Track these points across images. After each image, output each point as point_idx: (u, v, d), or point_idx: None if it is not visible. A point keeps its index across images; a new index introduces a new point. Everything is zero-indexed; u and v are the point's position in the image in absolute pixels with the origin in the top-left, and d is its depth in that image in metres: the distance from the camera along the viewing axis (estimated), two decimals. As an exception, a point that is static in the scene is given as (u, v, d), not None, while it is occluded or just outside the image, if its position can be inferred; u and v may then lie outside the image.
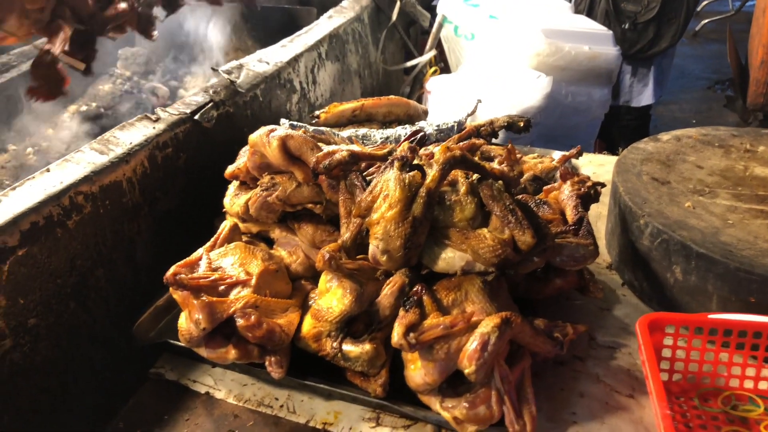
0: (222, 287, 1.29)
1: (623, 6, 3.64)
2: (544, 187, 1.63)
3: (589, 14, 3.66)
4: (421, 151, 1.35)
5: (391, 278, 1.27)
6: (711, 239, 1.39)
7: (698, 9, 6.37)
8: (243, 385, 1.36)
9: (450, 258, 1.24)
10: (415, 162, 1.27)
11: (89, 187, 1.37)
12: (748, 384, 1.28)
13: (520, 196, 1.49)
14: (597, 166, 2.18)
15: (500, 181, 1.28)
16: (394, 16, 3.11)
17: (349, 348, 1.24)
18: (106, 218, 1.43)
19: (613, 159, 2.21)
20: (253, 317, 1.22)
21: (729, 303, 1.34)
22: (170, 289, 1.29)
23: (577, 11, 3.53)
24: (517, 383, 1.19)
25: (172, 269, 1.27)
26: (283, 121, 1.81)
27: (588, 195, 1.52)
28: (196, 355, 1.31)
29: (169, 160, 1.62)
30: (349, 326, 1.28)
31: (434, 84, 2.93)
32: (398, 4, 3.12)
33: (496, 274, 1.25)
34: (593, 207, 1.56)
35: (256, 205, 1.45)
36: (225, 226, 1.47)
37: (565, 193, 1.52)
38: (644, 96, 3.94)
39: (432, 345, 1.14)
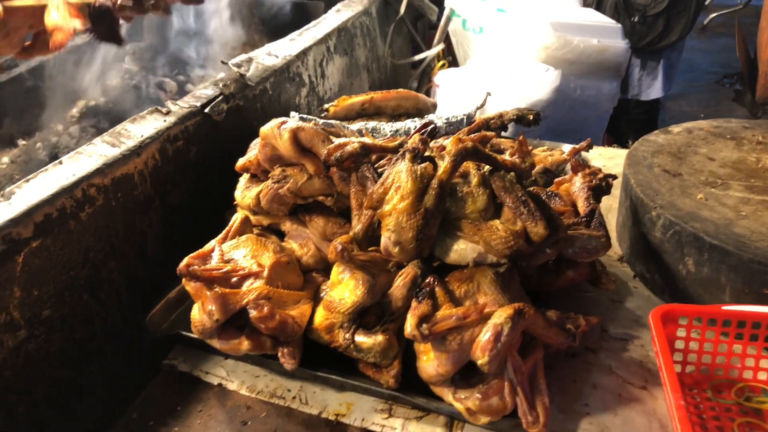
0: (234, 279, 1.29)
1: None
2: (555, 180, 1.63)
3: (598, 7, 3.64)
4: (432, 144, 1.34)
5: (403, 270, 1.27)
6: (724, 231, 1.38)
7: (707, 2, 6.33)
8: (255, 377, 1.36)
9: (462, 249, 1.24)
10: (427, 154, 1.27)
11: (101, 179, 1.38)
12: (762, 376, 1.27)
13: (531, 189, 1.48)
14: (607, 159, 2.17)
15: (512, 173, 1.28)
16: (402, 10, 3.10)
17: (362, 339, 1.24)
18: (118, 211, 1.43)
19: (623, 152, 2.20)
20: (266, 308, 1.22)
21: (742, 295, 1.34)
22: (183, 280, 1.30)
23: (585, 4, 3.52)
24: (529, 374, 1.19)
25: (185, 260, 1.27)
26: (293, 113, 1.81)
27: (600, 187, 1.51)
28: (208, 346, 1.31)
29: (180, 153, 1.62)
30: (362, 318, 1.28)
31: (442, 77, 2.92)
32: (406, -3, 3.11)
33: (508, 266, 1.25)
34: (604, 200, 1.55)
35: (267, 197, 1.46)
36: (236, 219, 1.47)
37: (576, 185, 1.51)
38: (653, 89, 3.92)
39: (445, 336, 1.14)
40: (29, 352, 1.22)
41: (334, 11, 2.66)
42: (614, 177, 1.57)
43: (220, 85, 1.82)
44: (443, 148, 1.27)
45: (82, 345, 1.35)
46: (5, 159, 2.59)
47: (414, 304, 1.16)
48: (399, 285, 1.26)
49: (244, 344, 1.25)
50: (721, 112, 5.70)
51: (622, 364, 1.35)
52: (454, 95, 2.80)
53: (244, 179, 1.58)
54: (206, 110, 1.71)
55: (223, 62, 1.93)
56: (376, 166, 1.38)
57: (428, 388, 1.22)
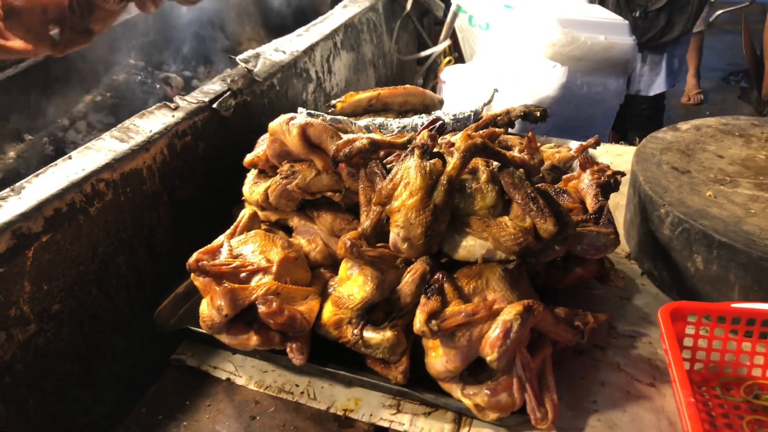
0: (243, 274, 1.29)
1: None
2: (563, 177, 1.63)
3: (601, 4, 3.63)
4: (440, 140, 1.34)
5: (412, 266, 1.27)
6: (733, 228, 1.38)
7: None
8: (263, 372, 1.37)
9: (471, 246, 1.24)
10: (435, 150, 1.27)
11: (110, 174, 1.38)
12: (771, 373, 1.27)
13: (539, 185, 1.48)
14: (614, 156, 2.16)
15: (521, 169, 1.28)
16: (409, 6, 3.09)
17: (370, 335, 1.24)
18: (127, 206, 1.43)
19: (630, 149, 2.19)
20: (274, 304, 1.22)
21: (751, 293, 1.33)
22: (192, 275, 1.30)
23: (589, 1, 3.51)
24: (538, 371, 1.19)
25: (195, 256, 1.27)
26: (300, 109, 1.81)
27: (608, 184, 1.51)
28: (216, 341, 1.32)
29: (188, 148, 1.63)
30: (370, 314, 1.28)
31: (449, 74, 2.91)
32: (412, -7, 3.11)
33: (517, 263, 1.25)
34: (611, 197, 1.55)
35: (275, 193, 1.46)
36: (244, 214, 1.47)
37: (584, 182, 1.51)
38: (656, 84, 3.91)
39: (454, 332, 1.14)
40: (39, 346, 1.23)
41: (341, 7, 2.65)
42: (622, 174, 1.56)
43: (228, 80, 1.82)
44: (452, 144, 1.27)
45: (91, 339, 1.35)
46: (12, 154, 2.59)
47: (423, 300, 1.16)
48: (408, 281, 1.26)
49: (253, 339, 1.25)
50: (727, 109, 5.69)
51: (630, 361, 1.35)
52: (461, 91, 2.79)
53: (252, 175, 1.58)
54: (214, 105, 1.71)
55: (230, 57, 1.93)
56: (384, 162, 1.38)
57: (436, 384, 1.22)
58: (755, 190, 1.53)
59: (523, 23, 2.93)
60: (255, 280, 1.29)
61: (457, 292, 1.20)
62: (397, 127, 1.81)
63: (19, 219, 1.17)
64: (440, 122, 1.64)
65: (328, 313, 1.29)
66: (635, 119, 4.05)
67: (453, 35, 3.24)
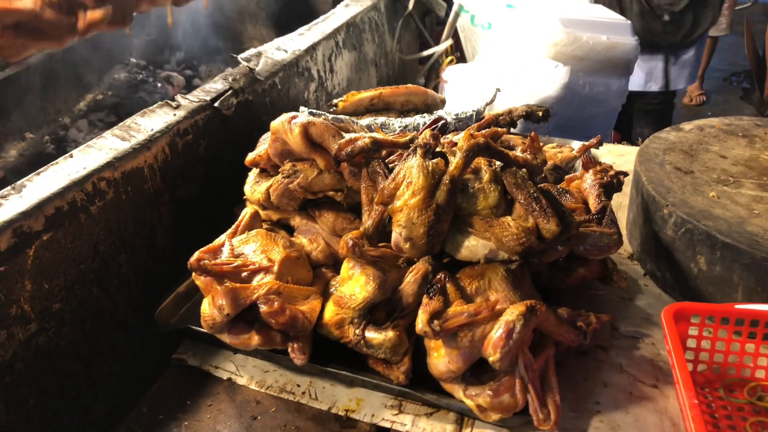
0: (245, 273, 1.29)
1: (656, 2, 3.66)
2: (566, 177, 1.62)
3: (622, 14, 3.68)
4: (442, 140, 1.34)
5: (414, 266, 1.27)
6: (737, 229, 1.37)
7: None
8: (265, 372, 1.36)
9: (473, 246, 1.24)
10: (438, 149, 1.26)
11: (112, 173, 1.38)
12: (775, 375, 1.27)
13: (542, 185, 1.47)
14: (616, 156, 2.16)
15: (524, 169, 1.27)
16: (411, 5, 3.08)
17: (372, 335, 1.23)
18: (128, 204, 1.43)
19: (633, 149, 2.19)
20: (276, 303, 1.22)
21: (755, 294, 1.33)
22: (193, 275, 1.29)
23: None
24: (541, 372, 1.18)
25: (196, 255, 1.27)
26: (302, 108, 1.80)
27: (611, 184, 1.50)
28: (217, 341, 1.31)
29: (190, 147, 1.62)
30: (372, 314, 1.28)
31: (451, 73, 2.91)
32: (414, -7, 3.10)
33: (519, 263, 1.24)
34: (614, 197, 1.54)
35: (277, 192, 1.45)
36: (246, 214, 1.47)
37: (587, 182, 1.50)
38: (681, 78, 4.03)
39: (456, 333, 1.14)
40: (40, 345, 1.22)
41: (343, 6, 2.65)
42: (625, 174, 1.56)
43: (230, 79, 1.81)
44: (454, 143, 1.27)
45: (92, 338, 1.35)
46: (13, 152, 2.59)
47: (425, 300, 1.16)
48: (410, 281, 1.26)
49: (254, 339, 1.25)
50: (729, 110, 5.68)
51: (632, 362, 1.34)
52: (463, 91, 2.79)
53: (253, 174, 1.57)
54: (216, 104, 1.71)
55: (232, 56, 1.93)
56: (386, 161, 1.38)
57: (438, 385, 1.22)
58: (759, 190, 1.52)
59: (525, 23, 2.92)
60: (256, 280, 1.29)
61: (459, 292, 1.19)
62: (399, 127, 1.80)
63: (20, 217, 1.16)
64: (442, 121, 1.64)
65: (330, 312, 1.28)
66: (646, 114, 4.10)
67: (455, 35, 3.24)
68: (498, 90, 2.08)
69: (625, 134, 4.13)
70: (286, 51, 2.10)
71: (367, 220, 1.31)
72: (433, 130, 1.30)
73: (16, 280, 1.16)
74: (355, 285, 1.28)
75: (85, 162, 1.35)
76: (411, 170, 1.22)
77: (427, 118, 1.84)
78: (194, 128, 1.63)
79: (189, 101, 1.66)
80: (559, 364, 1.25)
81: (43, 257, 1.21)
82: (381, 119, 1.83)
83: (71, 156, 1.36)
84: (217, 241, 1.36)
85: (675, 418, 1.21)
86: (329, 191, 1.44)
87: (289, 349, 1.26)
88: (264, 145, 1.53)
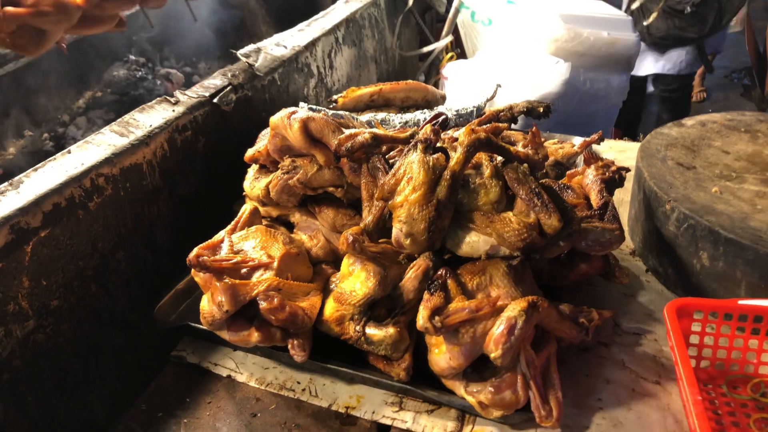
0: (244, 270, 1.28)
1: None
2: (567, 172, 1.61)
3: (642, 17, 3.71)
4: (443, 135, 1.33)
5: (414, 262, 1.26)
6: (740, 224, 1.36)
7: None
8: (265, 369, 1.35)
9: (474, 242, 1.23)
10: (439, 145, 1.25)
11: (110, 169, 1.37)
12: (778, 371, 1.26)
13: (543, 181, 1.46)
14: (618, 151, 2.15)
15: (525, 164, 1.26)
16: (411, 2, 3.07)
17: (373, 331, 1.23)
18: (127, 201, 1.42)
19: (634, 145, 2.18)
20: (276, 300, 1.21)
21: (758, 289, 1.32)
22: (192, 271, 1.29)
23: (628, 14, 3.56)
24: (542, 368, 1.17)
25: (195, 251, 1.26)
26: (302, 104, 1.79)
27: (612, 180, 1.49)
28: (216, 338, 1.30)
29: (189, 143, 1.61)
30: (372, 310, 1.27)
31: (451, 69, 2.90)
32: (414, -11, 3.09)
33: (521, 259, 1.23)
34: (615, 193, 1.53)
35: (277, 188, 1.44)
36: (245, 210, 1.46)
37: (589, 178, 1.49)
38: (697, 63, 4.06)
39: (457, 329, 1.13)
40: (38, 342, 1.21)
41: (343, 2, 2.64)
42: (627, 170, 1.54)
43: (229, 75, 1.80)
44: (455, 139, 1.26)
45: (91, 335, 1.34)
46: (12, 149, 2.59)
47: (426, 296, 1.15)
48: (411, 277, 1.25)
49: (254, 336, 1.24)
50: (729, 107, 5.66)
51: (635, 358, 1.33)
52: (463, 87, 2.78)
53: (253, 170, 1.56)
54: (215, 100, 1.70)
55: (231, 52, 1.91)
56: (386, 157, 1.37)
57: (439, 381, 1.21)
58: (762, 186, 1.51)
59: (526, 19, 2.91)
60: (256, 276, 1.28)
61: (460, 288, 1.18)
62: (399, 123, 1.79)
63: (18, 214, 1.16)
64: (443, 117, 1.62)
65: (330, 309, 1.27)
66: (663, 101, 4.15)
67: (455, 31, 3.23)
68: (498, 86, 2.07)
69: (626, 130, 4.14)
70: (285, 47, 2.09)
71: (368, 216, 1.30)
72: (433, 125, 1.29)
73: (14, 276, 1.15)
74: (355, 281, 1.27)
75: (84, 158, 1.34)
76: (411, 165, 1.21)
77: (428, 114, 1.83)
78: (193, 124, 1.62)
79: (188, 97, 1.65)
80: (561, 360, 1.24)
81: (41, 254, 1.20)
82: (381, 115, 1.82)
83: (69, 152, 1.35)
84: (217, 238, 1.35)
85: (678, 414, 1.20)
86: (329, 187, 1.43)
87: (289, 346, 1.25)
88: (263, 141, 1.52)
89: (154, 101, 1.60)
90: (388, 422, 1.22)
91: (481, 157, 1.28)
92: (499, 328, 1.10)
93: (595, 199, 1.43)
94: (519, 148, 1.38)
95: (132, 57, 3.13)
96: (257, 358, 1.38)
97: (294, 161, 1.44)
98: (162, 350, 1.41)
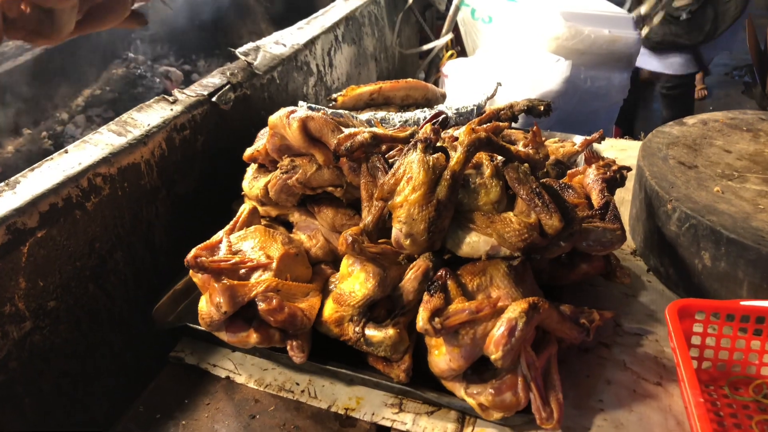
0: (243, 270, 1.27)
1: (674, 5, 3.69)
2: (568, 172, 1.60)
3: (644, 24, 3.71)
4: (443, 134, 1.32)
5: (414, 262, 1.25)
6: (742, 224, 1.35)
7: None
8: (263, 370, 1.35)
9: (475, 242, 1.22)
10: (439, 144, 1.24)
11: (108, 168, 1.36)
12: (780, 372, 1.25)
13: (544, 180, 1.46)
14: (619, 150, 2.14)
15: (526, 164, 1.25)
16: (410, -1, 3.06)
17: (372, 333, 1.22)
18: (125, 200, 1.41)
19: (635, 144, 2.17)
20: (274, 301, 1.20)
21: (761, 290, 1.31)
22: (190, 272, 1.28)
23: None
24: (543, 370, 1.16)
25: (193, 252, 1.25)
26: (301, 103, 1.78)
27: (614, 179, 1.49)
28: (215, 339, 1.29)
29: (187, 142, 1.60)
30: (372, 311, 1.26)
31: (451, 68, 2.88)
32: (414, -14, 3.08)
33: (521, 259, 1.22)
34: (616, 192, 1.52)
35: (275, 188, 1.43)
36: (244, 210, 1.45)
37: (590, 177, 1.49)
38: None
39: (457, 330, 1.12)
40: (35, 344, 1.21)
41: None
42: (629, 169, 1.54)
43: (227, 73, 1.79)
44: (455, 138, 1.25)
45: (88, 336, 1.33)
46: (10, 148, 2.57)
47: (426, 297, 1.14)
48: (410, 278, 1.24)
49: (253, 337, 1.23)
50: (730, 104, 5.65)
51: (636, 359, 1.33)
52: (463, 86, 2.76)
53: (251, 169, 1.55)
54: (213, 99, 1.69)
55: (230, 50, 1.90)
56: (386, 156, 1.36)
57: (439, 383, 1.20)
58: (764, 185, 1.50)
59: (526, 17, 2.90)
60: (255, 277, 1.27)
61: (460, 289, 1.17)
62: (399, 122, 1.78)
63: (14, 214, 1.15)
64: (443, 116, 1.61)
65: (329, 310, 1.26)
66: (665, 98, 4.17)
67: (455, 29, 3.21)
68: (499, 84, 2.06)
69: (626, 129, 4.14)
70: (284, 45, 2.08)
71: (367, 216, 1.29)
72: (433, 124, 1.28)
73: (10, 277, 1.15)
74: (354, 282, 1.26)
75: (81, 157, 1.33)
76: (411, 165, 1.20)
77: (428, 113, 1.82)
78: (191, 123, 1.61)
79: (186, 96, 1.64)
80: (562, 361, 1.23)
81: (38, 254, 1.20)
82: (381, 114, 1.81)
83: (66, 151, 1.34)
84: (215, 238, 1.34)
85: (679, 416, 1.19)
86: (328, 187, 1.42)
87: (288, 347, 1.24)
88: (262, 140, 1.51)
89: (152, 100, 1.58)
90: (387, 424, 1.21)
91: (482, 156, 1.27)
92: (499, 329, 1.09)
93: (596, 199, 1.42)
94: (519, 147, 1.37)
95: (131, 55, 3.12)
96: (256, 359, 1.37)
97: (293, 161, 1.43)
98: (160, 351, 1.40)
